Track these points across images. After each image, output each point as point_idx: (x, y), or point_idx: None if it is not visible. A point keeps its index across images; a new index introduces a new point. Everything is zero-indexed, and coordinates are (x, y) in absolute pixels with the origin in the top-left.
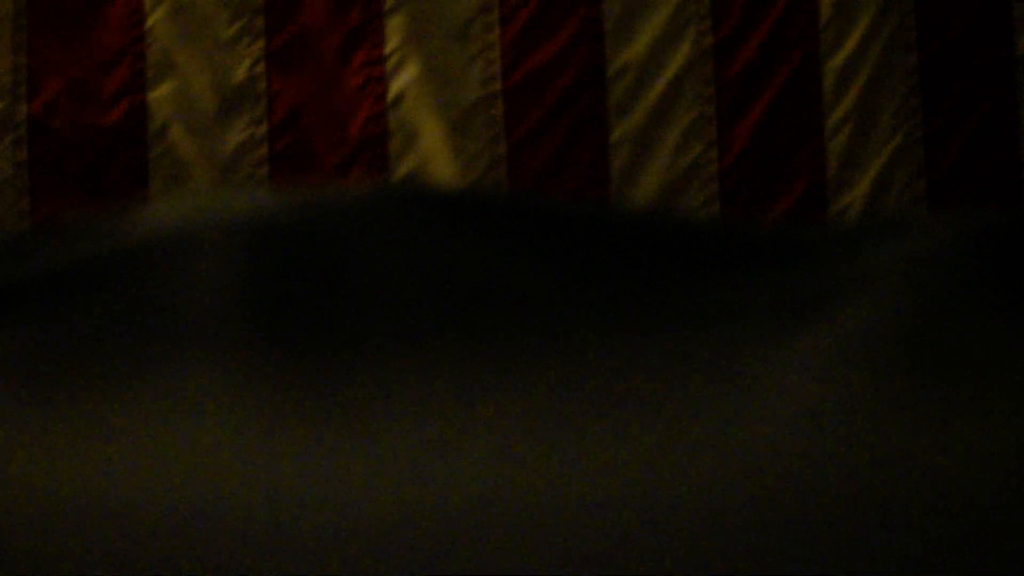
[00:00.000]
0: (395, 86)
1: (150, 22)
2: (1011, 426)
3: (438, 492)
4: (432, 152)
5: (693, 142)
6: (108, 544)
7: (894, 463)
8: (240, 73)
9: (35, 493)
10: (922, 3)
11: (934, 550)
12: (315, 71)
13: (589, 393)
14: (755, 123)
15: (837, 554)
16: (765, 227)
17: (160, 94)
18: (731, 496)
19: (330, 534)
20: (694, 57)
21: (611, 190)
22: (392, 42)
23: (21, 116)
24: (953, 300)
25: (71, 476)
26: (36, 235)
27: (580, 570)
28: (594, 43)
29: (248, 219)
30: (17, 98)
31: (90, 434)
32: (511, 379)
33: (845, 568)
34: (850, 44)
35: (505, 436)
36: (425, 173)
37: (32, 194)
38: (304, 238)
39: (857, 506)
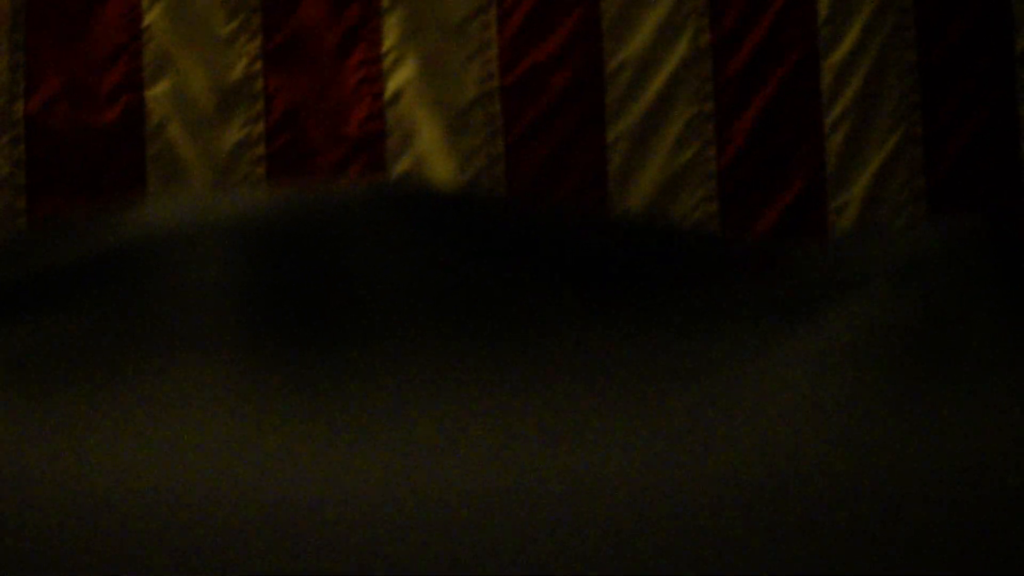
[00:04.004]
0: (392, 84)
1: (147, 20)
2: (1006, 424)
3: (433, 488)
4: (429, 150)
5: (691, 140)
6: (106, 538)
7: (889, 460)
8: (237, 71)
9: (34, 489)
10: (921, 1)
11: (930, 546)
12: (312, 69)
13: (587, 392)
14: (753, 121)
15: (833, 550)
16: (761, 240)
17: (157, 92)
18: (728, 492)
19: (325, 528)
20: (692, 55)
21: (609, 188)
22: (389, 40)
23: (18, 114)
24: (948, 301)
25: (70, 472)
26: (35, 234)
27: (579, 565)
28: (592, 41)
29: (245, 218)
30: (14, 96)
31: (89, 431)
32: (508, 378)
33: (841, 564)
34: (848, 42)
35: (503, 433)
36: (422, 171)
37: (29, 192)
38: (301, 237)
39: (852, 503)
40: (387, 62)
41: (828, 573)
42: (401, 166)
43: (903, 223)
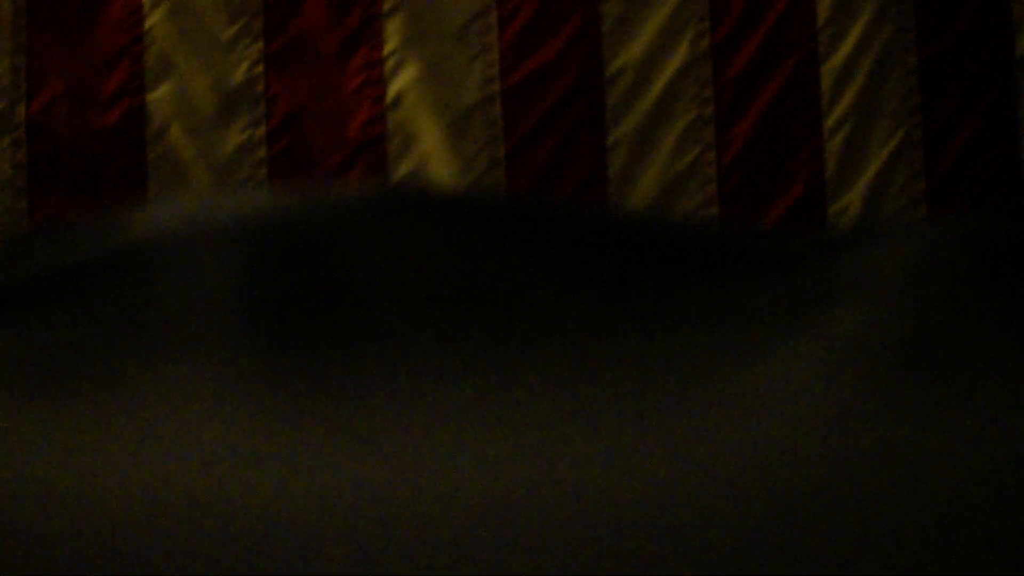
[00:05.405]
0: (394, 88)
1: (149, 23)
2: (1008, 427)
3: (436, 492)
4: (431, 153)
5: (691, 144)
6: (107, 540)
7: (893, 462)
8: (239, 75)
9: (34, 491)
10: (921, 4)
11: (932, 548)
12: (314, 73)
13: (589, 395)
14: (753, 124)
15: (836, 551)
16: (763, 232)
17: (159, 95)
18: (730, 493)
19: (327, 532)
20: (692, 59)
21: (609, 191)
22: (391, 44)
23: (20, 117)
24: (950, 303)
25: (70, 474)
26: (36, 236)
27: (580, 568)
28: (592, 45)
29: (247, 221)
30: (16, 99)
31: (89, 433)
32: (510, 381)
33: (843, 565)
34: (848, 45)
35: (504, 436)
36: (424, 174)
37: (31, 195)
38: (303, 240)
39: (855, 504)
40: (388, 66)
41: (830, 574)
42: (402, 169)
43: (904, 225)
